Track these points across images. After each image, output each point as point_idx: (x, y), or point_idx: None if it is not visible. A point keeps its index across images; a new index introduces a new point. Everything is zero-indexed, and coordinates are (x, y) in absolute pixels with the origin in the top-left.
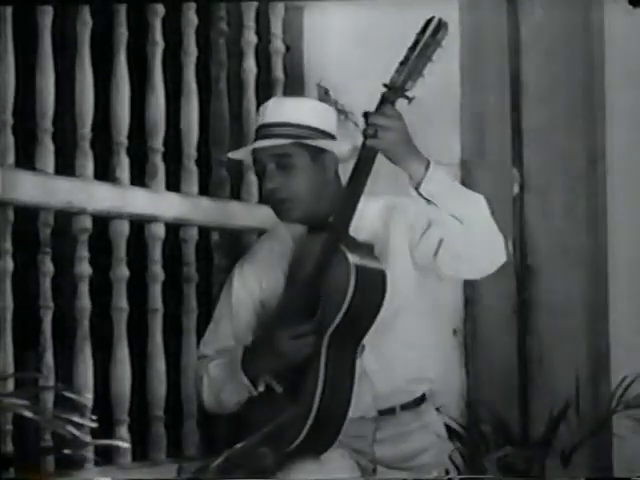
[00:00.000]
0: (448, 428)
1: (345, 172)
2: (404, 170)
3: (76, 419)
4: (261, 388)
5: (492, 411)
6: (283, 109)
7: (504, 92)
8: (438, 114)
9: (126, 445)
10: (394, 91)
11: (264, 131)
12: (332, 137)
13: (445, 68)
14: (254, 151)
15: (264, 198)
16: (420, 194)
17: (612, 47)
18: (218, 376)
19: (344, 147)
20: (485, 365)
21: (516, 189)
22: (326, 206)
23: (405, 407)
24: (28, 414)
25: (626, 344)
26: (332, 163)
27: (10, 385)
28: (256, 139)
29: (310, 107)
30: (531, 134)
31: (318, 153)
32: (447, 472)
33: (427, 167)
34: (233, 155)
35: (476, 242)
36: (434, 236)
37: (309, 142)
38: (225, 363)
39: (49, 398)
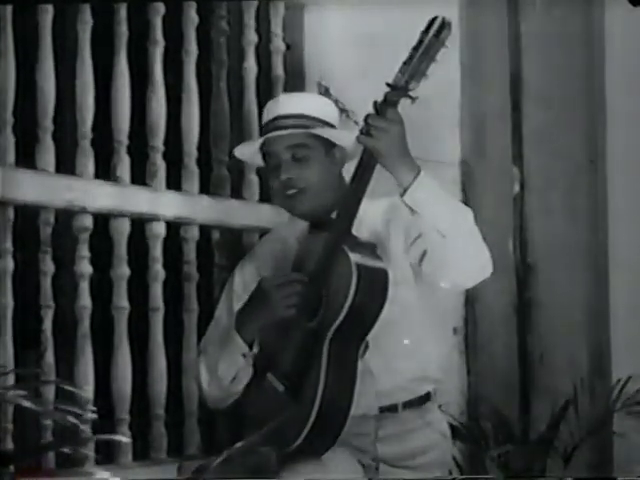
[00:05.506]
0: (450, 426)
1: (348, 171)
2: (393, 175)
3: (76, 410)
4: (255, 349)
5: (493, 409)
6: (296, 102)
7: (504, 91)
8: (438, 114)
9: (127, 440)
10: (397, 91)
11: (278, 123)
12: None
13: (445, 68)
14: (265, 145)
15: (274, 191)
16: (404, 202)
17: (612, 47)
18: (214, 349)
19: (348, 139)
20: (486, 364)
21: (516, 188)
22: (331, 202)
23: (408, 405)
24: (28, 404)
25: (626, 343)
26: (342, 158)
27: (11, 381)
28: (267, 132)
29: (321, 102)
30: (531, 133)
31: (331, 147)
32: (450, 472)
33: (416, 176)
34: (241, 154)
35: (458, 257)
36: (420, 246)
37: (325, 134)
38: (221, 335)
39: (50, 393)
